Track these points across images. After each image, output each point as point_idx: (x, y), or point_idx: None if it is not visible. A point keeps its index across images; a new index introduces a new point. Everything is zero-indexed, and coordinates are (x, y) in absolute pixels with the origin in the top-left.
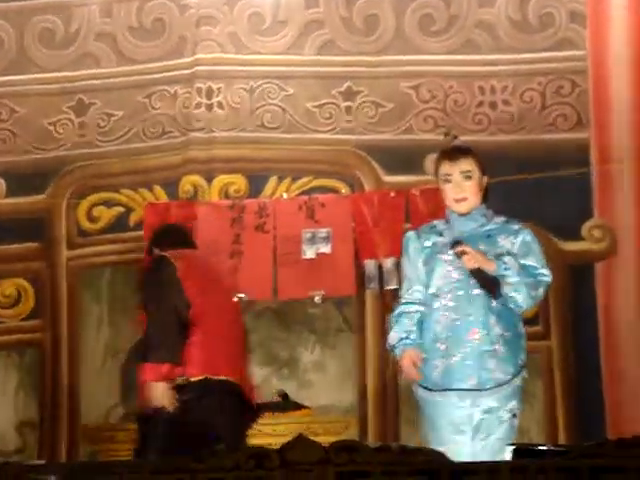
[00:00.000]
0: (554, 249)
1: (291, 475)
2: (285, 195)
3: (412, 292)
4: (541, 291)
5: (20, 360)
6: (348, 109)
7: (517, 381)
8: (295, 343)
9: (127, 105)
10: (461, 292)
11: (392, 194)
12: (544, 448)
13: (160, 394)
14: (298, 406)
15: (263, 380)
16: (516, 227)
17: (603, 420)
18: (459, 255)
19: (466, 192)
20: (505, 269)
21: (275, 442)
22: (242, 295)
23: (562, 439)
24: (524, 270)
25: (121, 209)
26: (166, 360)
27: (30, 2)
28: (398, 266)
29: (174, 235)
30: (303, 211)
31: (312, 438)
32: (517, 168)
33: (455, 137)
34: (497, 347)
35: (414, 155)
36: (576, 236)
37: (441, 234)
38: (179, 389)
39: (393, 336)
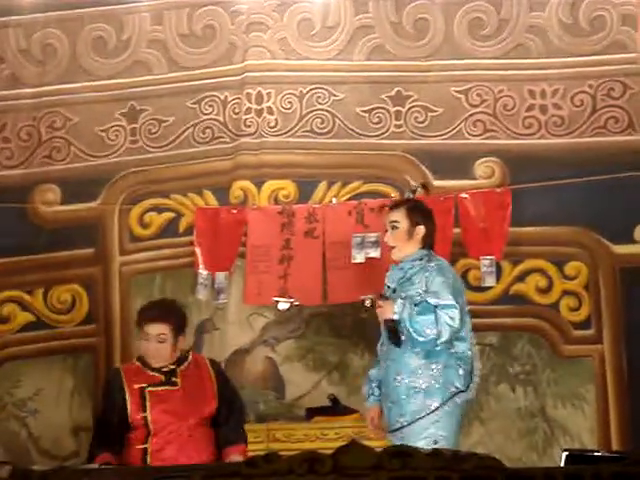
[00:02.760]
0: (606, 252)
1: None
2: (334, 200)
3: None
4: (442, 330)
5: (75, 365)
6: (398, 114)
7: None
8: (345, 348)
9: (178, 111)
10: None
11: (441, 198)
12: (599, 454)
13: None
14: (349, 410)
15: (313, 385)
16: (432, 264)
17: None
18: (372, 306)
19: (392, 241)
20: (399, 314)
21: (325, 446)
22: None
23: (615, 445)
24: (427, 310)
25: (172, 214)
26: None
27: (82, 11)
28: None
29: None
30: (352, 216)
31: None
32: (568, 171)
33: (414, 191)
34: (421, 382)
35: (464, 159)
36: (628, 239)
37: (387, 284)
38: None
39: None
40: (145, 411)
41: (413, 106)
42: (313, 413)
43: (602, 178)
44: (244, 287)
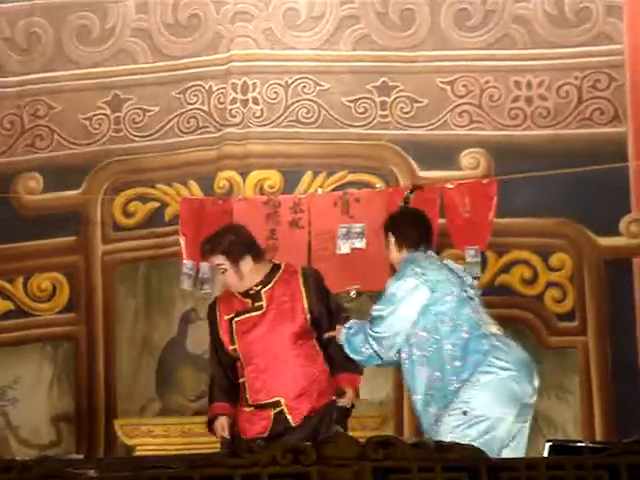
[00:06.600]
0: (591, 244)
1: (327, 471)
2: (320, 190)
3: None
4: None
5: (54, 353)
6: (383, 104)
7: None
8: None
9: (162, 100)
10: None
11: (426, 189)
12: (582, 445)
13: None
14: None
15: None
16: None
17: None
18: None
19: None
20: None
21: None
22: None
23: (599, 435)
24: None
25: (156, 204)
26: None
27: None
28: None
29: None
30: (338, 206)
31: (349, 433)
32: (553, 163)
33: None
34: None
35: (449, 150)
36: (613, 231)
37: None
38: None
39: None
40: (234, 343)
41: (399, 96)
42: None
43: (587, 170)
44: None
